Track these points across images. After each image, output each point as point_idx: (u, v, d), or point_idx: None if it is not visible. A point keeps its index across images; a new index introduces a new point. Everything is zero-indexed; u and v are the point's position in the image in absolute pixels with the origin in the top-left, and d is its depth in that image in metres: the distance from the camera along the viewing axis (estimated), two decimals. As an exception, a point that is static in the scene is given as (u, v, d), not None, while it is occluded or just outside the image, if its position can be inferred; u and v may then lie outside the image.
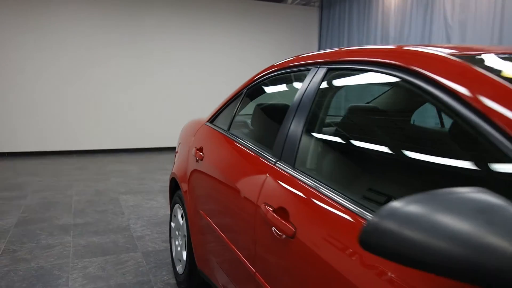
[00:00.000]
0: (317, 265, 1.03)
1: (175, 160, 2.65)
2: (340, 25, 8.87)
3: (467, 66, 0.92)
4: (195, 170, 2.16)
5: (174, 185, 2.64)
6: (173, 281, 2.58)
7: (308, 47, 9.29)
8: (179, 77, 7.73)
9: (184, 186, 2.30)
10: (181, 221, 2.43)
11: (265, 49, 8.44)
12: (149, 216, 3.85)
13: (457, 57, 0.97)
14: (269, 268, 1.29)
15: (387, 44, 7.10)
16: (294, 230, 1.14)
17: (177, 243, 2.54)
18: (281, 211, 1.23)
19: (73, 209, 4.05)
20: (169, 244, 3.14)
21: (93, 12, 7.00)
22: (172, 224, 2.65)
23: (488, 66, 0.94)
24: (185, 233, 2.32)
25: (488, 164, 0.80)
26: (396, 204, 0.64)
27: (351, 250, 0.94)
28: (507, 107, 0.77)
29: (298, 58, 1.65)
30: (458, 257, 0.57)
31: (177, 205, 2.52)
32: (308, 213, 1.12)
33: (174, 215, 2.60)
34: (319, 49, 9.49)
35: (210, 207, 1.90)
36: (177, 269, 2.51)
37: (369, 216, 0.94)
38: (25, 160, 6.55)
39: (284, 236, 1.18)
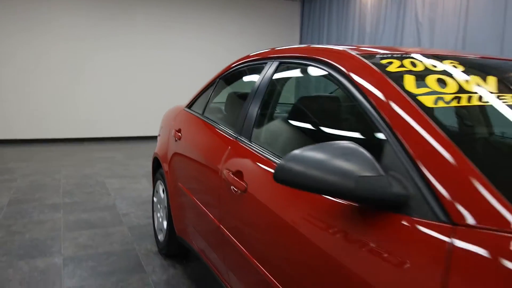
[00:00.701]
0: (263, 211, 1.36)
1: (158, 141, 2.96)
2: (321, 19, 9.20)
3: (359, 59, 1.26)
4: (174, 149, 2.48)
5: (156, 164, 2.95)
6: (155, 248, 2.90)
7: (291, 40, 9.61)
8: (164, 67, 7.97)
9: (165, 164, 2.62)
10: (162, 195, 2.75)
11: (249, 41, 8.74)
12: (133, 197, 4.16)
13: (358, 53, 1.32)
14: (229, 219, 1.63)
15: (363, 39, 7.45)
16: (246, 186, 1.48)
17: (158, 215, 2.87)
18: (238, 173, 1.56)
19: (62, 190, 4.33)
20: (151, 219, 3.46)
21: (82, 4, 7.18)
22: (155, 199, 2.97)
23: (376, 62, 1.28)
24: (166, 205, 2.65)
25: (358, 122, 1.15)
26: (295, 151, 0.98)
27: (286, 198, 1.28)
28: (374, 85, 1.12)
29: (259, 53, 1.98)
30: (331, 181, 0.91)
31: (159, 181, 2.84)
32: (256, 173, 1.46)
33: (157, 191, 2.92)
34: (301, 42, 9.83)
35: (186, 179, 2.23)
36: (159, 237, 2.84)
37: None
38: (13, 147, 6.75)
39: (239, 191, 1.52)
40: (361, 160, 0.91)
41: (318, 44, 8.65)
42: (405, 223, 0.87)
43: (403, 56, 1.33)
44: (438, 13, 6.38)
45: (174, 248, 2.65)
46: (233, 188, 1.57)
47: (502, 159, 1.06)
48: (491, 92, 1.11)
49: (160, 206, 2.82)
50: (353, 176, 0.89)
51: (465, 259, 0.73)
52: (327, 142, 0.98)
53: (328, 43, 9.00)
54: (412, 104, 1.02)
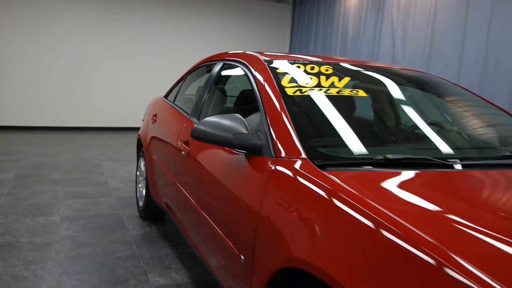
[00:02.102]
0: (198, 166, 1.97)
1: (141, 125, 3.58)
2: (309, 22, 9.80)
3: (261, 62, 1.87)
4: (151, 130, 3.10)
5: (139, 144, 3.57)
6: (136, 214, 3.52)
7: (282, 41, 10.24)
8: (160, 64, 8.59)
9: (145, 142, 3.24)
10: (143, 169, 3.37)
11: (242, 42, 9.36)
12: (124, 176, 4.78)
13: (263, 58, 1.93)
14: (180, 175, 2.24)
15: (346, 42, 8.01)
16: (189, 150, 2.10)
17: (140, 185, 3.49)
18: (186, 142, 2.18)
19: (61, 169, 4.95)
20: (135, 192, 4.08)
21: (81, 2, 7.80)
22: (138, 173, 3.59)
23: (275, 67, 1.89)
24: (145, 177, 3.26)
25: (254, 103, 1.75)
26: (204, 119, 1.60)
27: (208, 154, 1.89)
28: (263, 79, 1.73)
29: (213, 56, 2.60)
30: (220, 136, 1.52)
31: (141, 158, 3.46)
32: (196, 141, 2.08)
33: (139, 166, 3.54)
34: (291, 43, 10.46)
35: (158, 152, 2.84)
36: (139, 204, 3.46)
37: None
38: (16, 134, 7.37)
39: (185, 154, 2.14)
40: (239, 124, 1.53)
41: (306, 46, 9.22)
42: (259, 159, 1.48)
43: (295, 61, 1.94)
44: (410, 20, 6.98)
45: (150, 212, 3.27)
46: (182, 153, 2.19)
47: (311, 124, 1.64)
48: (336, 87, 1.72)
49: (141, 178, 3.44)
50: (231, 132, 1.50)
51: (276, 173, 1.35)
52: (225, 114, 1.59)
53: (315, 45, 9.62)
54: (278, 92, 1.63)
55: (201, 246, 1.99)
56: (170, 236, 3.08)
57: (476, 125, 1.91)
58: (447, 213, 0.99)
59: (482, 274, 0.75)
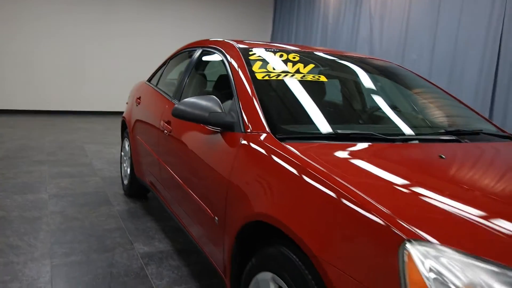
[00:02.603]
0: (179, 143, 2.19)
1: (126, 107, 3.76)
2: (291, 11, 9.97)
3: (236, 49, 2.09)
4: (135, 112, 3.29)
5: (123, 125, 3.75)
6: (121, 191, 3.72)
7: (264, 28, 10.40)
8: (145, 51, 8.67)
9: (129, 123, 3.43)
10: (127, 149, 3.57)
11: (224, 30, 9.49)
12: (108, 158, 4.95)
13: (238, 46, 2.15)
14: (163, 153, 2.46)
15: (326, 29, 8.28)
16: (171, 129, 2.31)
17: (124, 165, 3.68)
18: (168, 122, 2.39)
19: (46, 151, 5.09)
20: (120, 171, 4.27)
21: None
22: (122, 153, 3.79)
23: (251, 47, 2.11)
24: (129, 156, 3.46)
25: (229, 86, 1.97)
26: (184, 99, 1.81)
27: (193, 136, 2.10)
28: (236, 65, 1.95)
29: (192, 43, 2.79)
30: (197, 114, 1.74)
31: (125, 139, 3.65)
32: (176, 120, 2.29)
33: (124, 147, 3.73)
34: (273, 31, 10.63)
35: (142, 132, 3.04)
36: (124, 182, 3.66)
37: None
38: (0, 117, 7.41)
39: (167, 133, 2.35)
40: (214, 104, 1.75)
41: (288, 35, 9.37)
42: (231, 135, 1.72)
43: (267, 49, 2.16)
44: (387, 10, 7.24)
45: (135, 189, 3.47)
46: (165, 131, 2.40)
47: (276, 104, 1.87)
48: (301, 73, 1.95)
49: (126, 158, 3.64)
50: (207, 111, 1.72)
51: (244, 146, 1.58)
52: (203, 96, 1.81)
53: (296, 33, 9.81)
54: (249, 77, 1.85)
55: (183, 217, 2.23)
56: (154, 211, 3.30)
57: (425, 108, 2.18)
58: (372, 171, 1.25)
59: (404, 223, 1.00)
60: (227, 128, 1.75)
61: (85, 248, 2.55)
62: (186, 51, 2.89)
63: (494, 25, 5.50)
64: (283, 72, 1.94)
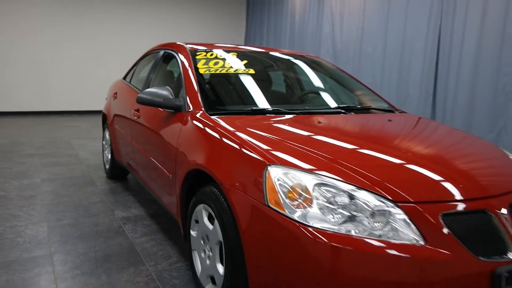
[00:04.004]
0: (144, 126, 2.80)
1: (105, 103, 4.34)
2: (263, 9, 10.59)
3: (185, 49, 2.71)
4: (113, 105, 3.88)
5: (104, 118, 4.34)
6: (104, 175, 4.31)
7: (239, 26, 11.01)
8: (124, 49, 9.20)
9: (108, 116, 4.02)
10: (107, 138, 4.16)
11: (201, 29, 10.08)
12: (92, 150, 5.52)
13: (188, 46, 2.76)
14: (134, 135, 3.07)
15: (294, 26, 8.92)
16: (139, 115, 2.92)
17: (106, 152, 4.27)
18: (137, 110, 3.00)
19: (36, 146, 5.63)
20: (103, 159, 4.84)
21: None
22: (103, 142, 4.37)
23: (199, 49, 2.72)
24: (110, 143, 4.05)
25: (180, 79, 2.59)
26: (145, 90, 2.43)
27: (150, 115, 2.71)
28: (186, 63, 2.57)
29: (158, 45, 3.40)
30: (155, 100, 2.36)
31: (106, 129, 4.24)
32: (143, 107, 2.90)
33: (104, 136, 4.32)
34: (247, 29, 11.24)
35: (118, 121, 3.64)
36: (106, 167, 4.25)
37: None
38: (-11, 117, 7.88)
39: (136, 119, 2.96)
40: (168, 92, 2.36)
41: (260, 34, 9.95)
42: (180, 114, 2.34)
43: (211, 50, 2.79)
44: (345, 7, 7.91)
45: (115, 171, 4.07)
46: (135, 118, 3.01)
47: (212, 91, 2.49)
48: (235, 67, 2.58)
49: (107, 146, 4.23)
50: (162, 98, 2.34)
51: (187, 121, 2.21)
52: (160, 86, 2.43)
53: (268, 30, 10.43)
54: (193, 71, 2.47)
55: (150, 183, 2.84)
56: (132, 188, 3.90)
57: (331, 91, 2.84)
58: (262, 131, 1.89)
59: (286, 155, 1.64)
60: (177, 109, 2.37)
61: (74, 215, 3.15)
62: (152, 53, 3.50)
63: (433, 20, 6.23)
64: (220, 67, 2.57)
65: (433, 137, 2.19)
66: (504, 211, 1.53)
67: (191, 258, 2.11)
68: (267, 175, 1.57)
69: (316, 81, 2.90)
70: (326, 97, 2.74)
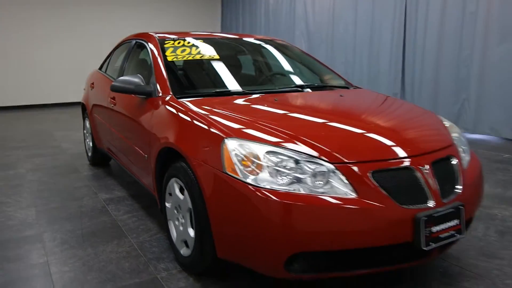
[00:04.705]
0: (120, 113, 3.01)
1: (83, 93, 4.51)
2: (238, -4, 10.66)
3: (155, 39, 2.91)
4: (90, 95, 4.06)
5: (83, 108, 4.51)
6: (87, 163, 4.51)
7: (215, 12, 11.09)
8: (105, 41, 9.25)
9: (88, 106, 4.20)
10: (88, 126, 4.34)
11: (174, 16, 10.15)
12: (74, 140, 5.68)
13: (157, 36, 2.96)
14: (112, 122, 3.27)
15: (268, 11, 9.01)
16: (115, 102, 3.12)
17: (87, 140, 4.46)
18: (113, 98, 3.20)
19: (19, 139, 5.77)
20: (85, 147, 5.02)
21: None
22: (84, 131, 4.56)
23: (167, 37, 2.92)
24: (90, 132, 4.24)
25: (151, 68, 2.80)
26: (118, 78, 2.63)
27: (129, 104, 2.92)
28: (155, 51, 2.77)
29: (130, 36, 3.58)
30: (127, 87, 2.57)
31: (86, 118, 4.42)
32: (119, 95, 3.10)
33: (85, 126, 4.50)
34: (222, 14, 11.32)
35: (97, 110, 3.82)
36: (89, 154, 4.45)
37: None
38: (-31, 114, 7.92)
39: (113, 106, 3.16)
40: (139, 79, 2.57)
41: (236, 19, 10.05)
42: (151, 99, 2.55)
43: (179, 38, 2.99)
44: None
45: (97, 159, 4.27)
46: (111, 105, 3.21)
47: (179, 76, 2.71)
48: (201, 54, 2.79)
49: (88, 134, 4.41)
50: (133, 85, 2.55)
51: (157, 105, 2.43)
52: (132, 75, 2.63)
53: (243, 16, 10.54)
54: (162, 59, 2.68)
55: (129, 165, 3.06)
56: (114, 173, 4.12)
57: (293, 71, 3.08)
58: (222, 109, 2.13)
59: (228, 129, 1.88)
60: (148, 95, 2.58)
61: (60, 199, 3.36)
62: (125, 43, 3.68)
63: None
64: (187, 54, 2.78)
65: (373, 107, 2.46)
66: (427, 167, 1.81)
67: (168, 228, 2.36)
68: (224, 147, 1.82)
69: (279, 63, 3.13)
70: (288, 78, 2.98)
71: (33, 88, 8.76)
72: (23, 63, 8.60)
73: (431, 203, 1.75)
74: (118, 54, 3.86)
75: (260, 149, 1.77)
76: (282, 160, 1.74)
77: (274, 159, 1.74)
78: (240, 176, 1.74)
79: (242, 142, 1.80)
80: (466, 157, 2.16)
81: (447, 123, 2.37)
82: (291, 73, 3.03)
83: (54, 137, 5.89)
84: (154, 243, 2.55)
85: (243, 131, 1.88)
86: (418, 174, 1.78)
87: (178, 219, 2.22)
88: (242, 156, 1.77)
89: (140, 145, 2.66)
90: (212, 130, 1.94)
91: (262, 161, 1.74)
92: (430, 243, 1.72)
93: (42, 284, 2.10)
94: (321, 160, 1.73)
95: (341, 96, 2.62)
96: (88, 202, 3.28)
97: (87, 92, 4.25)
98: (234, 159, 1.77)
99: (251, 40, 3.27)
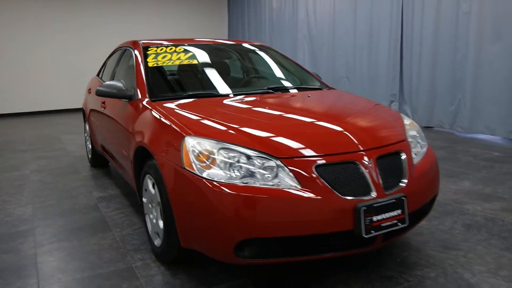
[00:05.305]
0: (109, 116, 3.22)
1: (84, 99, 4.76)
2: (243, 0, 10.88)
3: (139, 45, 3.11)
4: (88, 100, 4.30)
5: (83, 113, 4.77)
6: (88, 164, 4.75)
7: (221, 18, 11.34)
8: (109, 45, 9.58)
9: (86, 110, 4.45)
10: (87, 129, 4.59)
11: (182, 22, 10.46)
12: (80, 143, 5.95)
13: (142, 43, 3.16)
14: (103, 125, 3.49)
15: (272, 14, 9.23)
16: (105, 106, 3.34)
17: (88, 143, 4.71)
18: (103, 103, 3.42)
19: (27, 143, 6.08)
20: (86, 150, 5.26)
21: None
22: (85, 135, 4.81)
23: (152, 44, 3.12)
24: (89, 135, 4.48)
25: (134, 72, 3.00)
26: (104, 83, 2.84)
27: (114, 107, 3.13)
28: (139, 57, 2.97)
29: (121, 44, 3.80)
30: (111, 92, 2.78)
31: (86, 123, 4.67)
32: (108, 100, 3.31)
33: (85, 129, 4.75)
34: (229, 19, 11.55)
35: (93, 114, 4.06)
36: (89, 156, 4.69)
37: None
38: (-15, 120, 8.33)
39: (103, 110, 3.38)
40: (120, 84, 2.78)
41: (242, 24, 10.25)
42: (132, 102, 2.75)
43: (161, 45, 3.18)
44: (317, -6, 8.20)
45: (96, 160, 4.51)
46: (102, 109, 3.43)
47: (157, 81, 2.91)
48: (180, 59, 2.98)
49: (87, 137, 4.66)
50: (116, 89, 2.76)
51: (137, 108, 2.63)
52: (115, 80, 2.84)
53: (249, 19, 10.73)
54: (143, 65, 2.88)
55: (118, 163, 3.27)
56: (112, 174, 4.34)
57: (268, 74, 3.24)
58: (186, 111, 2.30)
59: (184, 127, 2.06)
60: (129, 98, 2.78)
61: (57, 197, 3.59)
62: (118, 50, 3.90)
63: (396, 2, 6.58)
64: (168, 60, 2.98)
65: (333, 106, 2.60)
66: (371, 162, 1.94)
67: (145, 221, 2.54)
68: (183, 144, 1.99)
69: (257, 67, 3.30)
70: (262, 81, 3.14)
71: (44, 94, 9.14)
72: (34, 70, 8.99)
73: (372, 195, 1.88)
74: (112, 61, 4.09)
75: (214, 146, 1.93)
76: (234, 156, 1.90)
77: (227, 155, 1.91)
78: (196, 171, 1.91)
79: (199, 140, 1.98)
80: (421, 153, 2.28)
81: (407, 121, 2.49)
82: (266, 76, 3.19)
83: (61, 140, 6.19)
84: (136, 236, 2.74)
85: (201, 130, 2.05)
86: (362, 168, 1.92)
87: (152, 213, 2.40)
88: (198, 152, 1.94)
89: (123, 144, 2.87)
90: (175, 129, 2.12)
91: (216, 157, 1.91)
92: (372, 231, 1.85)
93: (28, 272, 2.31)
94: (269, 156, 1.89)
95: (308, 96, 2.77)
96: (82, 200, 3.50)
97: (86, 97, 4.50)
98: (191, 156, 1.94)
99: (232, 44, 3.44)
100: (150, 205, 2.42)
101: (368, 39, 7.24)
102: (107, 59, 4.26)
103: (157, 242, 2.34)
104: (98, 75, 4.44)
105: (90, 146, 4.54)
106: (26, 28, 8.77)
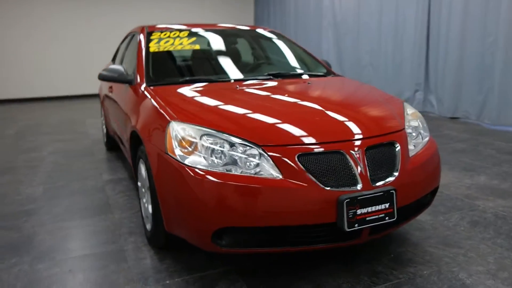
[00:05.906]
0: (114, 99, 3.25)
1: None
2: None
3: (145, 31, 3.11)
4: (102, 85, 4.38)
5: (99, 97, 4.86)
6: (103, 147, 4.86)
7: (246, 6, 11.23)
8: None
9: (100, 94, 4.53)
10: (102, 113, 4.68)
11: (209, 5, 10.44)
12: (100, 128, 6.10)
13: (147, 28, 3.16)
14: (111, 109, 3.54)
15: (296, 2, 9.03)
16: (112, 91, 3.38)
17: (103, 127, 4.81)
18: (111, 87, 3.46)
19: (51, 125, 6.29)
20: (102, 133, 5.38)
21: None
22: (102, 119, 4.91)
23: (157, 29, 3.12)
24: (104, 119, 4.57)
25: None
26: (105, 68, 2.87)
27: (118, 91, 3.16)
28: (143, 42, 2.97)
29: (131, 30, 3.82)
30: (112, 76, 2.80)
31: (102, 107, 4.77)
32: (115, 85, 3.35)
33: (101, 113, 4.85)
34: (255, 6, 11.42)
35: (105, 99, 4.13)
36: (104, 140, 4.80)
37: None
38: (10, 105, 8.69)
39: (110, 94, 3.42)
40: (121, 68, 2.79)
41: (268, 11, 10.12)
42: (132, 86, 2.76)
43: (166, 30, 3.17)
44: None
45: (110, 143, 4.59)
46: (110, 94, 3.48)
47: (158, 66, 2.88)
48: (183, 44, 2.96)
49: (103, 122, 4.76)
50: (118, 73, 2.77)
51: (136, 91, 2.63)
52: (116, 64, 2.85)
53: (274, 6, 10.56)
54: (145, 50, 2.88)
55: (125, 151, 3.31)
56: (123, 158, 4.42)
57: (277, 59, 3.17)
58: (180, 95, 2.28)
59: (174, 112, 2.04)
60: (130, 83, 2.80)
61: (68, 179, 3.70)
62: (128, 36, 3.93)
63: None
64: (170, 45, 2.96)
65: (332, 95, 2.50)
66: (359, 152, 1.86)
67: (140, 205, 2.57)
68: (168, 129, 1.98)
69: (261, 53, 3.23)
70: (264, 66, 3.07)
71: (73, 79, 9.41)
72: (64, 55, 9.25)
73: (358, 187, 1.81)
74: (123, 46, 4.13)
75: (198, 133, 1.91)
76: (217, 143, 1.87)
77: (209, 142, 1.87)
78: (178, 157, 1.89)
79: (183, 126, 1.95)
80: (420, 144, 2.17)
81: (410, 110, 2.37)
82: (269, 62, 3.11)
83: (85, 123, 6.37)
84: (133, 219, 2.78)
85: (186, 115, 2.02)
86: (348, 158, 1.84)
87: (145, 197, 2.41)
88: (181, 138, 1.92)
89: (124, 129, 2.89)
90: (162, 114, 2.10)
91: (199, 144, 1.88)
92: (355, 224, 1.78)
93: (25, 249, 2.39)
94: (252, 144, 1.84)
95: (308, 83, 2.68)
96: (91, 182, 3.59)
97: (101, 83, 4.58)
98: (174, 141, 1.93)
99: (242, 31, 3.38)
100: (143, 189, 2.44)
101: (394, 25, 6.96)
102: (120, 44, 4.30)
103: (149, 226, 2.36)
104: (112, 60, 4.49)
105: (105, 130, 4.64)
106: (48, 19, 9.02)
